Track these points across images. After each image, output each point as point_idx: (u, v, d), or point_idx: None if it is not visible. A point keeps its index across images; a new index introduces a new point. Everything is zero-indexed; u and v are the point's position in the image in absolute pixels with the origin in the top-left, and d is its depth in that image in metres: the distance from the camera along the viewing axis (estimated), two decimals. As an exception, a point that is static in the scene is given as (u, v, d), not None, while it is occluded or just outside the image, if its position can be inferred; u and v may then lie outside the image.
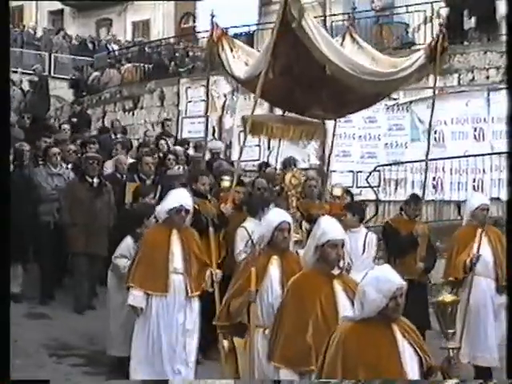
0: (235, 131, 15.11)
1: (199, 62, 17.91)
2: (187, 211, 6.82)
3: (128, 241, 7.45)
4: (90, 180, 9.41)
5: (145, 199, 8.54)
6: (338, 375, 3.99)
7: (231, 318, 5.73)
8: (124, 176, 10.28)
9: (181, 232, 6.83)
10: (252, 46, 10.53)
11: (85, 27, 28.63)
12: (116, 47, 23.49)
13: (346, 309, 4.74)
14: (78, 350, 8.02)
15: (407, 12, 15.65)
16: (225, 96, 15.47)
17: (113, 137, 13.76)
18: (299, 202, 8.35)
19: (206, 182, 8.21)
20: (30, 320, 8.82)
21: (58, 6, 29.94)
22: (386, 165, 13.19)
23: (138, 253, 6.87)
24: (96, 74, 19.89)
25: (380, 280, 4.05)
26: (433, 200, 12.45)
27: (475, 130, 12.80)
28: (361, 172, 13.45)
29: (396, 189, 13.12)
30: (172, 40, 22.28)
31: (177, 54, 19.25)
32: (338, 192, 9.25)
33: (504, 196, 11.22)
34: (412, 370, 4.05)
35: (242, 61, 8.24)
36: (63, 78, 22.41)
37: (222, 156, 12.73)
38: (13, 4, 22.76)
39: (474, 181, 12.60)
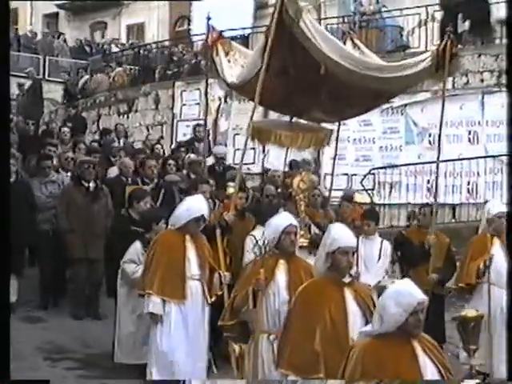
0: (230, 134, 15.11)
1: (187, 64, 17.82)
2: (205, 220, 6.80)
3: (137, 245, 7.29)
4: (85, 184, 9.32)
5: (139, 204, 8.18)
6: (357, 391, 3.91)
7: (235, 314, 5.68)
8: (129, 179, 10.01)
9: (193, 238, 6.76)
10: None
11: (79, 30, 28.63)
12: (116, 49, 23.40)
13: (355, 317, 4.73)
14: (73, 354, 7.97)
15: (401, 15, 15.70)
16: (220, 99, 15.46)
17: (116, 141, 13.64)
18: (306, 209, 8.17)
19: (206, 190, 8.05)
20: (27, 324, 8.80)
21: (53, 9, 29.90)
22: (381, 168, 13.20)
23: (150, 258, 6.67)
24: (86, 77, 19.79)
25: (401, 293, 3.98)
26: (427, 203, 12.44)
27: (469, 133, 12.83)
28: (355, 175, 13.44)
29: (390, 192, 13.14)
30: (167, 43, 22.28)
31: (169, 58, 19.14)
32: (360, 198, 9.14)
33: (504, 199, 11.19)
34: (433, 387, 3.97)
35: (238, 64, 8.17)
36: (58, 82, 22.39)
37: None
38: (7, 7, 22.66)
39: (469, 184, 12.65)
